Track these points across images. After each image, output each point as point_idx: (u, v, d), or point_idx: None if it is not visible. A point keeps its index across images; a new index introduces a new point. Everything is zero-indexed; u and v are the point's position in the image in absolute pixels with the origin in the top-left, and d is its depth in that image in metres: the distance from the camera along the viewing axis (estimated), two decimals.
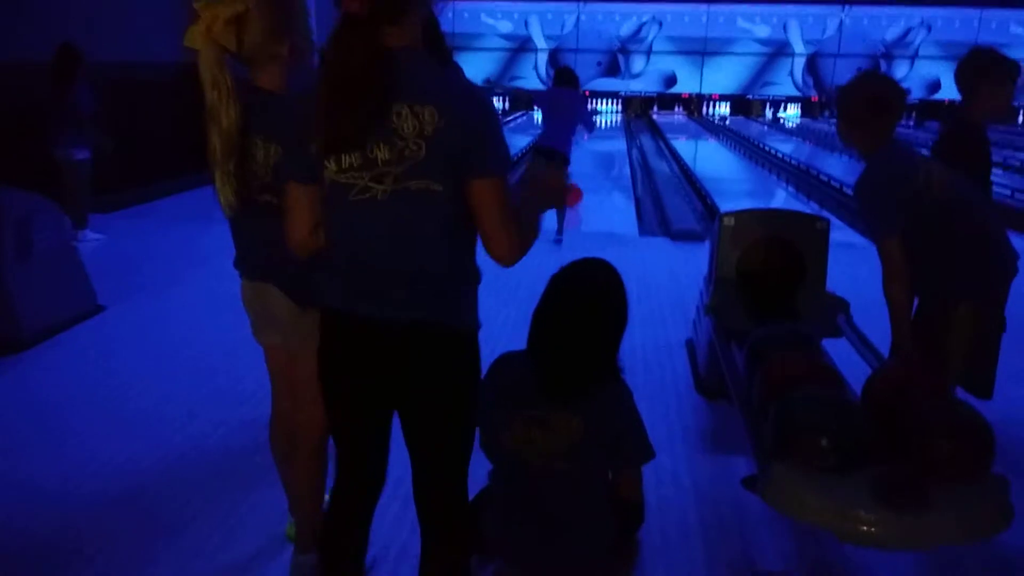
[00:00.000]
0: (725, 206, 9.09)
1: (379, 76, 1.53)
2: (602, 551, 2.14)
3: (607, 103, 24.04)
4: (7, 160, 6.60)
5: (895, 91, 2.65)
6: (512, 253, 1.63)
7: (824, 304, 3.45)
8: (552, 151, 6.44)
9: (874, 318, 3.03)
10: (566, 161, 6.44)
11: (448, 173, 1.56)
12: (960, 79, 3.03)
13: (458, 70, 1.63)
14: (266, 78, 2.03)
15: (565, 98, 6.62)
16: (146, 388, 3.71)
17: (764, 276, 3.52)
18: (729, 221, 3.64)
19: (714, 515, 2.75)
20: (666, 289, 5.51)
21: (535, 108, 7.14)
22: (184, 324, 4.63)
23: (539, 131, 7.03)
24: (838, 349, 3.22)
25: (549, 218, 6.45)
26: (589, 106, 7.19)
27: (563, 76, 6.86)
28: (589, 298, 2.07)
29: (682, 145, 17.22)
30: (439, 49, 2.96)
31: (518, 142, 13.11)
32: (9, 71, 7.03)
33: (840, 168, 12.36)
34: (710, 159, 15.92)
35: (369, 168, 1.56)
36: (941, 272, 2.64)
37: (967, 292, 2.63)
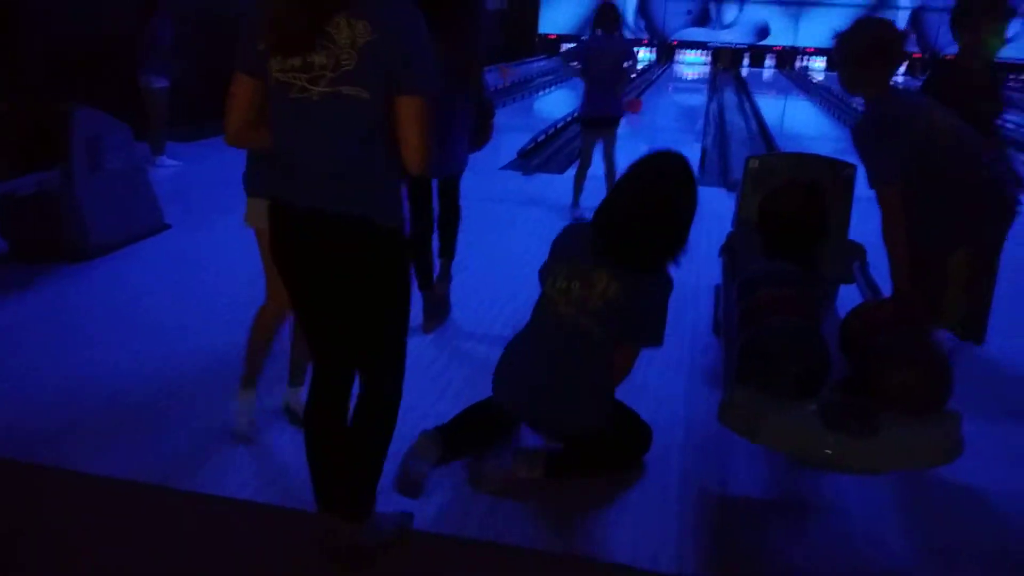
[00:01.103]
0: None
1: None
2: (595, 416, 2.39)
3: (695, 54, 23.43)
4: (97, 84, 7.05)
5: (896, 35, 2.63)
6: (423, 165, 1.81)
7: (842, 250, 3.44)
8: (604, 119, 5.77)
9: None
10: (616, 122, 5.82)
11: (377, 83, 1.71)
12: (965, 19, 2.99)
13: None
14: None
15: (607, 46, 5.72)
16: (198, 301, 4.02)
17: (783, 219, 3.53)
18: (753, 164, 3.65)
19: (698, 442, 2.85)
20: (709, 235, 5.49)
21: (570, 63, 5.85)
22: (241, 245, 4.93)
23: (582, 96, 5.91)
24: (850, 294, 3.26)
25: (565, 192, 6.09)
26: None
27: (603, 17, 5.78)
28: (663, 186, 2.31)
29: (768, 102, 16.70)
30: None
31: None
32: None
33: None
34: (796, 117, 15.43)
35: (307, 71, 1.72)
36: (939, 218, 2.63)
37: (963, 238, 2.61)
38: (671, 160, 2.35)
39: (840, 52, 2.68)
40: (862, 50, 2.60)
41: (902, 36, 2.65)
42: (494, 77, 12.53)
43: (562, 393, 2.34)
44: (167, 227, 5.14)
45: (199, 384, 3.13)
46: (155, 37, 6.61)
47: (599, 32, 5.77)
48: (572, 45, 7.30)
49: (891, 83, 2.66)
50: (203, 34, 8.40)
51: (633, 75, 6.28)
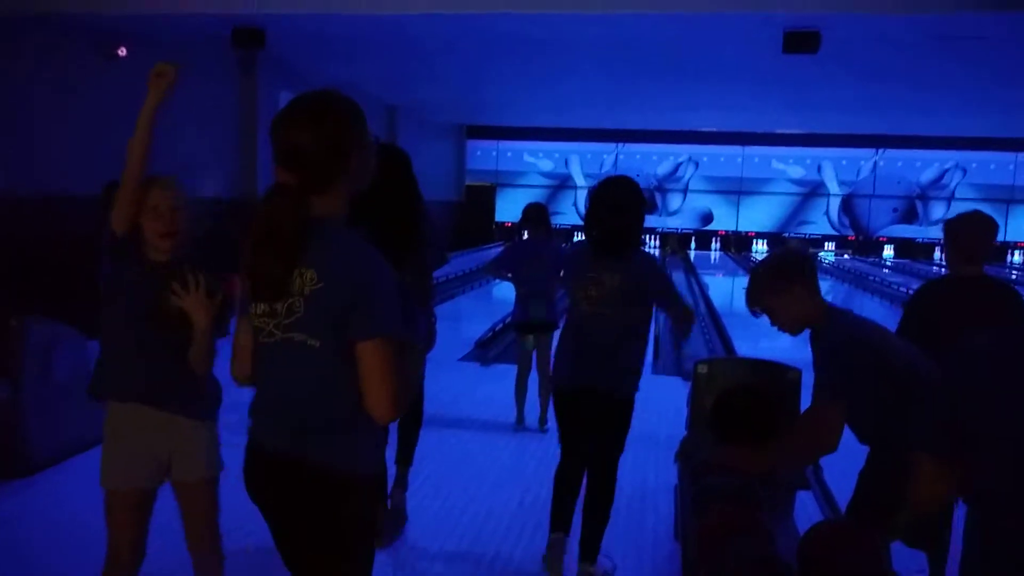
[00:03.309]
0: (746, 347, 9.14)
1: (295, 239, 1.73)
2: (634, 369, 3.32)
3: (645, 239, 24.56)
4: (54, 288, 7.09)
5: (796, 253, 2.77)
6: (387, 413, 1.74)
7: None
8: (537, 324, 5.49)
9: (845, 468, 3.05)
10: (551, 327, 5.44)
11: (326, 331, 1.72)
12: (976, 240, 3.16)
13: (355, 237, 1.80)
14: None
15: (536, 250, 5.48)
16: None
17: (734, 420, 3.58)
18: (703, 369, 3.74)
19: None
20: (668, 430, 5.54)
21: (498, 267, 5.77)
22: None
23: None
24: (803, 501, 3.26)
25: (531, 409, 5.65)
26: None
27: (528, 219, 5.56)
28: (624, 196, 3.24)
29: (716, 282, 17.38)
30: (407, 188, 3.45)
31: None
32: (64, 204, 7.64)
33: (875, 309, 12.35)
34: (743, 296, 16.01)
35: (273, 316, 1.78)
36: (892, 424, 2.63)
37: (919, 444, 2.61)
38: (623, 180, 3.33)
39: (760, 292, 2.74)
40: (773, 278, 2.68)
41: (802, 252, 2.78)
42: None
43: (603, 367, 3.24)
44: None
45: None
46: None
47: (525, 235, 5.67)
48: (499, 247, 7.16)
49: (824, 305, 2.69)
50: None
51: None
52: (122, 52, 8.44)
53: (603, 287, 3.19)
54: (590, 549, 3.31)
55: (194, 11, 6.77)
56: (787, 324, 2.73)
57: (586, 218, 3.42)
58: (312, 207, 1.76)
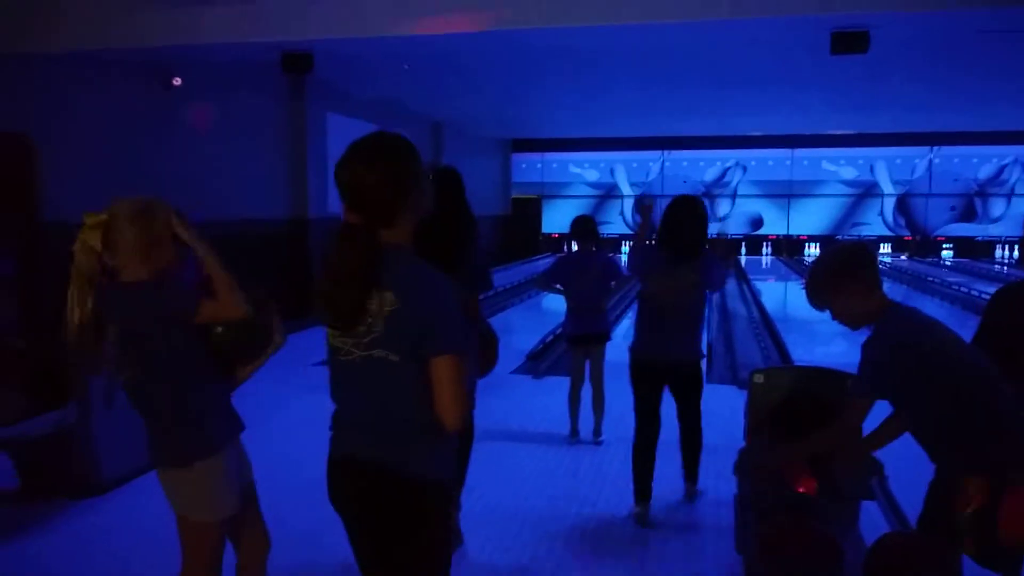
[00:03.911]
0: (800, 353, 8.99)
1: (369, 271, 1.92)
2: (697, 346, 4.23)
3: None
4: None
5: (857, 248, 2.70)
6: (455, 420, 1.93)
7: (858, 465, 3.40)
8: (590, 336, 5.57)
9: (912, 478, 2.97)
10: (603, 338, 5.63)
11: (404, 347, 1.90)
12: None
13: (424, 264, 1.99)
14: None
15: (585, 262, 5.53)
16: None
17: (794, 436, 3.52)
18: (759, 379, 3.68)
19: None
20: (724, 439, 5.46)
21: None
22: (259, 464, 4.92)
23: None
24: (869, 511, 3.19)
25: (585, 421, 5.61)
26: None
27: (577, 232, 5.60)
28: (695, 206, 4.10)
29: (769, 287, 17.13)
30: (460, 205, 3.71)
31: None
32: None
33: (934, 311, 12.01)
34: (797, 301, 15.76)
35: (352, 336, 1.95)
36: (953, 443, 2.55)
37: (976, 467, 2.52)
38: (690, 198, 4.18)
39: (822, 286, 2.68)
40: (834, 274, 2.63)
41: (862, 247, 2.72)
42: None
43: (682, 341, 4.15)
44: None
45: None
46: (182, 271, 6.89)
47: (574, 247, 5.70)
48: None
49: (885, 301, 2.64)
50: (231, 253, 8.85)
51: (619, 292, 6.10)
52: (177, 82, 8.71)
53: (679, 281, 4.05)
54: (692, 472, 4.50)
55: (244, 39, 6.94)
56: (847, 319, 2.69)
57: (662, 228, 4.14)
58: (382, 237, 1.94)
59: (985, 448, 2.49)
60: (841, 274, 2.63)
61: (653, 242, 4.31)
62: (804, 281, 2.78)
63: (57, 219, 7.34)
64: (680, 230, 4.08)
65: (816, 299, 2.73)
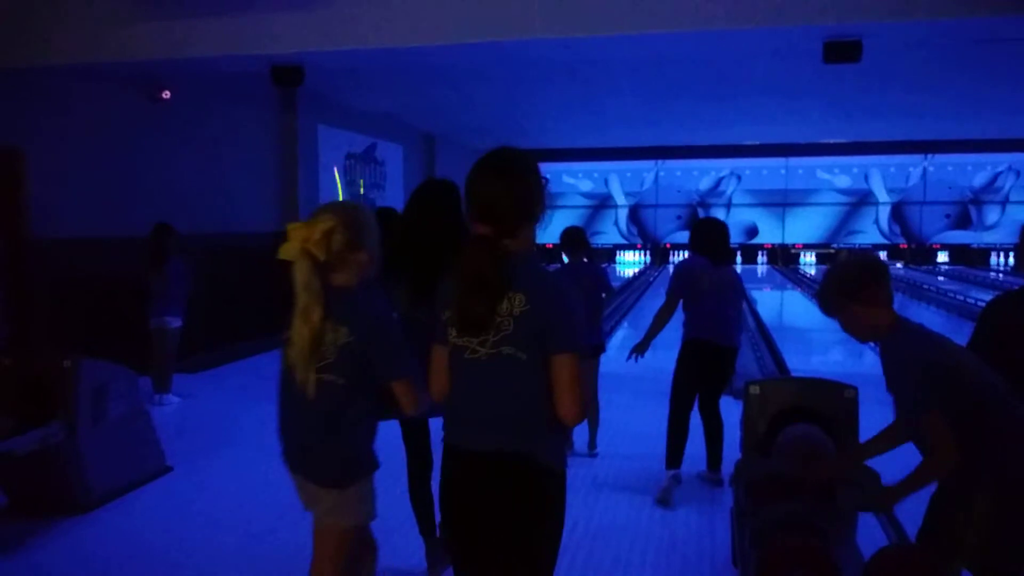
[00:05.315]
0: (797, 362, 8.95)
1: (500, 276, 2.05)
2: (737, 335, 4.89)
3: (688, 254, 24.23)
4: (101, 324, 7.26)
5: (869, 260, 2.66)
6: (575, 416, 2.06)
7: (856, 478, 3.35)
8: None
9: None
10: (597, 351, 5.47)
11: (531, 345, 2.03)
12: None
13: (548, 270, 2.16)
14: (341, 278, 2.40)
15: (574, 273, 5.37)
16: (196, 553, 3.89)
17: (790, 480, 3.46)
18: (755, 390, 3.65)
19: None
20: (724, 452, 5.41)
21: None
22: (239, 487, 4.86)
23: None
24: (867, 524, 3.14)
25: (580, 433, 5.49)
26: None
27: (566, 243, 5.51)
28: (721, 228, 4.99)
29: (764, 296, 17.10)
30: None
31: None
32: (118, 247, 7.83)
33: (930, 319, 12.00)
34: (793, 310, 15.75)
35: (478, 336, 2.07)
36: (965, 458, 2.47)
37: (988, 483, 2.46)
38: (717, 221, 5.10)
39: (834, 296, 2.63)
40: (849, 284, 2.58)
41: (873, 259, 2.67)
42: None
43: (727, 326, 4.79)
44: (169, 469, 5.08)
45: None
46: (171, 284, 6.85)
47: (564, 259, 5.58)
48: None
49: (894, 316, 2.59)
50: (218, 267, 8.80)
51: (607, 303, 5.98)
52: (166, 95, 8.66)
53: (716, 282, 4.74)
54: (715, 460, 4.93)
55: (234, 52, 6.90)
56: (856, 331, 2.65)
57: (694, 240, 4.96)
58: (508, 246, 2.09)
59: (998, 463, 2.44)
60: (853, 286, 2.59)
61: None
62: (816, 289, 2.73)
63: (44, 235, 7.30)
64: (713, 244, 4.89)
65: (826, 308, 2.69)
